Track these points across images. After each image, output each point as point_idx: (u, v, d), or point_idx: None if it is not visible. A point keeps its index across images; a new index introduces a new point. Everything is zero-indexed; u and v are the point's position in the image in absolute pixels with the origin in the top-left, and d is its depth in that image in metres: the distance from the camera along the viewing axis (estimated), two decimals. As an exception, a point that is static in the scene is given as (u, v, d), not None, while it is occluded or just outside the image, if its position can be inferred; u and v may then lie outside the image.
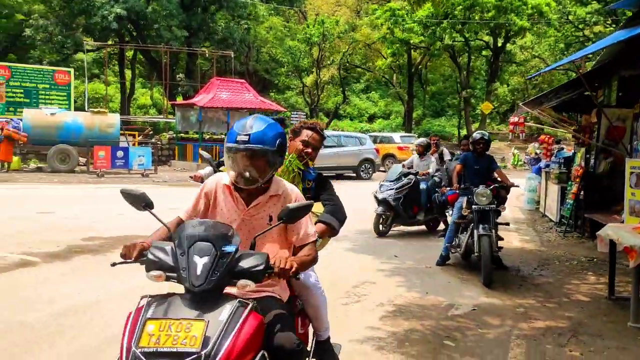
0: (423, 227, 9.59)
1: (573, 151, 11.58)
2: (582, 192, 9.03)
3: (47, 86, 21.43)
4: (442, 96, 44.43)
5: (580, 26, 31.65)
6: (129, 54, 35.27)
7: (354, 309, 5.17)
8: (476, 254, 6.38)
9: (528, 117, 21.13)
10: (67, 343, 4.07)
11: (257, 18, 38.23)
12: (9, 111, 19.74)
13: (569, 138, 18.17)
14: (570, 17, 31.67)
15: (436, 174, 9.41)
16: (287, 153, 3.13)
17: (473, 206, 6.55)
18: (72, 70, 23.95)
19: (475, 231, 6.44)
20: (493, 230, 6.45)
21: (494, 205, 6.61)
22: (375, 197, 9.06)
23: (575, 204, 9.29)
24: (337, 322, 4.71)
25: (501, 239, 7.06)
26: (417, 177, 9.15)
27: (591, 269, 7.06)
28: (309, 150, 3.29)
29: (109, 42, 32.06)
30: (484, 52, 36.97)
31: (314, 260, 2.52)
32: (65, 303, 4.97)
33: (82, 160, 19.22)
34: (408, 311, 5.12)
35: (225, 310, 2.00)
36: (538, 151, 17.55)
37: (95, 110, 20.68)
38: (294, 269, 2.19)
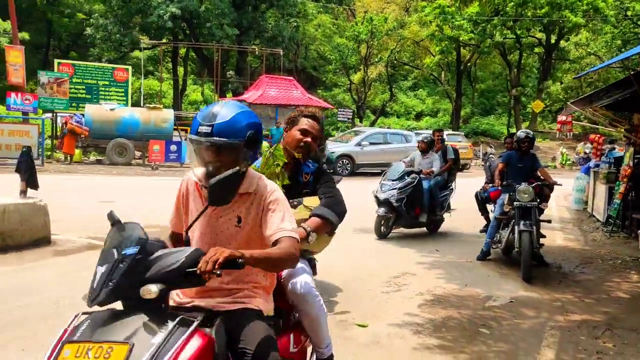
0: (424, 229, 9.04)
1: (624, 151, 11.37)
2: (631, 193, 8.93)
3: (107, 83, 22.53)
4: (492, 94, 43.76)
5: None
6: (182, 51, 36.54)
7: (394, 297, 5.43)
8: (516, 250, 6.49)
9: (582, 117, 20.66)
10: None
11: (306, 16, 38.81)
12: (72, 106, 20.87)
13: (623, 138, 17.66)
14: (629, 13, 30.58)
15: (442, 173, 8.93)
16: (279, 145, 3.00)
17: (515, 203, 6.66)
18: (130, 67, 25.04)
19: (516, 227, 6.55)
20: (534, 227, 6.53)
21: (536, 203, 6.70)
22: (376, 197, 8.42)
23: (622, 204, 9.19)
24: (377, 308, 5.02)
25: (543, 236, 7.13)
26: (421, 176, 8.53)
27: (634, 268, 7.04)
28: (308, 139, 2.97)
29: (164, 41, 33.29)
30: (536, 49, 36.16)
31: (285, 258, 2.04)
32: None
33: (138, 153, 20.17)
34: (446, 301, 5.34)
35: (162, 330, 1.69)
36: (587, 150, 17.18)
37: (151, 106, 21.62)
38: (220, 260, 1.75)
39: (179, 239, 2.37)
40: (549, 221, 7.68)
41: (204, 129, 2.04)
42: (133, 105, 23.82)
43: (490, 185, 7.86)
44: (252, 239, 2.19)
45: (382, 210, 8.29)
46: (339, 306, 4.96)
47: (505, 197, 7.04)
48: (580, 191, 13.22)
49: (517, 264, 6.63)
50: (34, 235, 6.51)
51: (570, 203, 13.58)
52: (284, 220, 2.13)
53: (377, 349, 4.02)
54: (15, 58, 17.91)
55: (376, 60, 37.68)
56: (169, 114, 20.69)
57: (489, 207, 8.45)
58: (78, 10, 36.55)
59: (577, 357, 4.02)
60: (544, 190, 7.20)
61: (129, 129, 19.32)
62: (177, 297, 2.19)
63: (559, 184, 7.30)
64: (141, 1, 29.83)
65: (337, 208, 2.87)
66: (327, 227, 2.80)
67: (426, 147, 8.91)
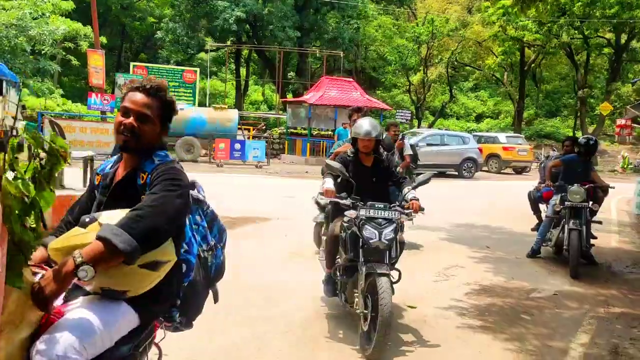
0: None
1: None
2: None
3: (177, 84, 23.87)
4: (557, 95, 42.57)
5: None
6: (245, 53, 37.83)
7: (442, 285, 5.85)
8: (566, 248, 6.71)
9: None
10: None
11: (366, 17, 39.19)
12: (144, 106, 22.32)
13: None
14: None
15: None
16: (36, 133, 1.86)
17: (566, 203, 6.87)
18: (197, 69, 26.36)
19: (566, 226, 6.77)
20: (584, 227, 6.72)
21: (587, 204, 6.88)
22: (317, 203, 6.13)
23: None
24: (426, 293, 5.47)
25: (594, 237, 7.28)
26: None
27: (688, 271, 7.10)
28: (129, 121, 2.11)
29: (228, 43, 34.62)
30: (605, 50, 34.95)
31: None
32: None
33: (204, 151, 21.32)
34: (492, 290, 5.71)
35: None
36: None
37: (217, 106, 22.77)
38: None
39: None
40: (600, 222, 7.79)
41: None
42: (198, 105, 25.12)
43: (544, 185, 8.06)
44: None
45: (322, 216, 5.97)
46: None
47: (557, 198, 7.24)
48: (642, 195, 12.99)
49: (566, 262, 6.84)
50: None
51: (632, 208, 13.35)
52: None
53: (423, 326, 4.48)
54: (96, 61, 19.41)
55: (436, 61, 37.56)
56: (234, 114, 21.72)
57: (542, 206, 8.64)
58: (149, 15, 38.62)
59: (611, 342, 4.33)
60: (597, 193, 7.35)
61: (196, 127, 20.48)
62: None
63: (611, 187, 7.42)
64: (208, 5, 31.23)
65: (138, 225, 1.81)
66: (116, 257, 1.76)
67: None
